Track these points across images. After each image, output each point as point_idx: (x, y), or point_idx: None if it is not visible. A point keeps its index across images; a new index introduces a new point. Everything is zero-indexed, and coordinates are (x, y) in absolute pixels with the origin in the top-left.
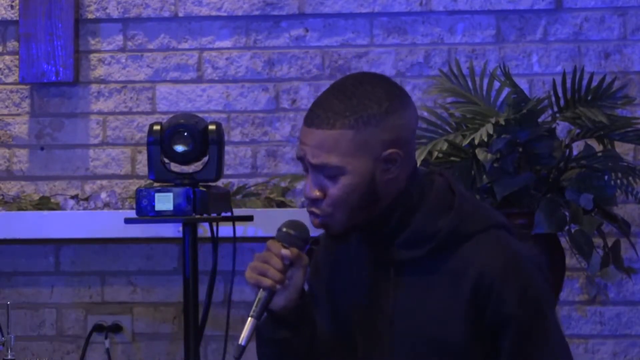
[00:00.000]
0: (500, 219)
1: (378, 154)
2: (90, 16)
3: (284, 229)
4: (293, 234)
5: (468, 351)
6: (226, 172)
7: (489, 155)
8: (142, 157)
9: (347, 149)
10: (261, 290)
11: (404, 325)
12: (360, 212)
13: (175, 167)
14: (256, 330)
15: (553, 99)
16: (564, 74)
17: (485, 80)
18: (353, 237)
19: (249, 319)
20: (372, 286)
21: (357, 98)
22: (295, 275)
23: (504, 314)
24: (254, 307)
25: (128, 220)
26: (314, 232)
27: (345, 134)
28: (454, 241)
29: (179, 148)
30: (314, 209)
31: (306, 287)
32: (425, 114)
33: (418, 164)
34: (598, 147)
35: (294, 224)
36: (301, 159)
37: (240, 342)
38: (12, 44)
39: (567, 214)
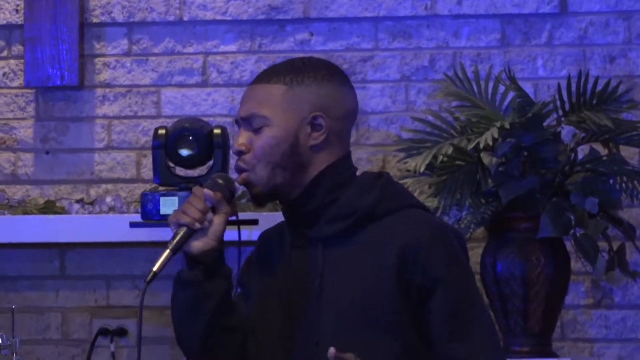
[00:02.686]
0: (422, 204)
1: (305, 115)
2: (95, 20)
3: (213, 177)
4: (219, 182)
5: (397, 320)
6: (231, 176)
7: (494, 159)
8: (147, 161)
9: (276, 102)
10: (181, 227)
11: (331, 300)
12: (281, 173)
13: (180, 171)
14: (175, 278)
15: (558, 102)
16: (569, 78)
17: (491, 84)
18: (284, 222)
19: (166, 250)
20: (300, 262)
21: (299, 64)
22: (216, 220)
23: (432, 277)
24: (171, 241)
25: (133, 224)
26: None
27: (278, 89)
28: (378, 215)
29: (184, 152)
30: (239, 163)
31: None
32: (430, 117)
33: (422, 169)
34: (603, 151)
35: (223, 175)
36: (236, 120)
37: (154, 268)
38: (17, 48)
39: (572, 217)
